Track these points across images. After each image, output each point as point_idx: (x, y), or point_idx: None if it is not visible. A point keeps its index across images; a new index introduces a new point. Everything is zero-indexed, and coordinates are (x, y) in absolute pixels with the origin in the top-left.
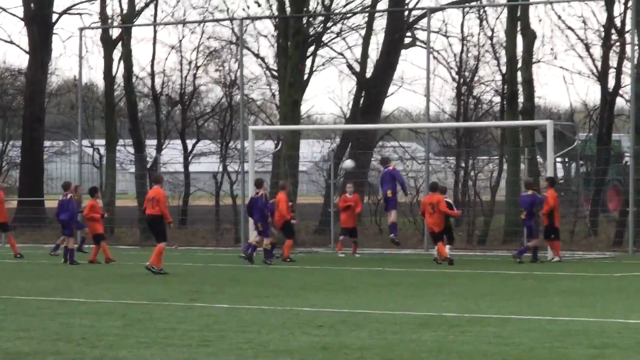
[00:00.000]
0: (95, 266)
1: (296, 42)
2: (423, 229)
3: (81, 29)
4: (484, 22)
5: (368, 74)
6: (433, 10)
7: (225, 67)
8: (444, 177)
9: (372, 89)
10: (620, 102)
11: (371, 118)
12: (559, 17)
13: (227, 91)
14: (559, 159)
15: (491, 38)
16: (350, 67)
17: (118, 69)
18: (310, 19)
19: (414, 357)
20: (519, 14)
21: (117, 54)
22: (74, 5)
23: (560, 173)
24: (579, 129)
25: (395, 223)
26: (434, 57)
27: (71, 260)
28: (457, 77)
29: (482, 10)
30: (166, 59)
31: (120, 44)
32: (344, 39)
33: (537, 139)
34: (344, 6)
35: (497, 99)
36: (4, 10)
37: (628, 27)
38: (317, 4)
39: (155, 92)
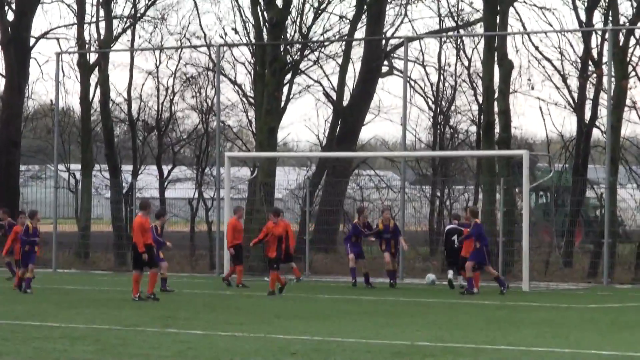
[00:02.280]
0: (69, 291)
1: (273, 70)
2: (398, 257)
3: (58, 54)
4: (461, 52)
5: (345, 102)
6: (410, 39)
7: (202, 93)
8: (419, 206)
9: (348, 117)
10: (596, 134)
11: (347, 146)
12: (536, 48)
13: (204, 117)
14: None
15: (468, 68)
16: (327, 95)
17: (95, 94)
18: (288, 47)
19: None
20: (496, 44)
21: (94, 78)
22: (51, 29)
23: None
24: (555, 160)
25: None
26: (411, 86)
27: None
28: (433, 106)
29: (459, 40)
30: (143, 84)
31: (97, 69)
32: (321, 67)
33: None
34: (322, 34)
35: (474, 128)
36: None
37: (605, 59)
38: (295, 31)
39: (131, 117)
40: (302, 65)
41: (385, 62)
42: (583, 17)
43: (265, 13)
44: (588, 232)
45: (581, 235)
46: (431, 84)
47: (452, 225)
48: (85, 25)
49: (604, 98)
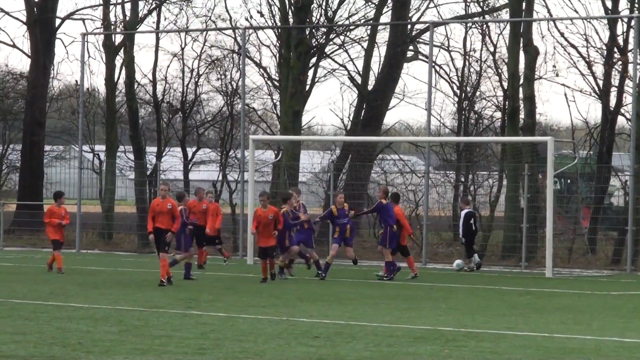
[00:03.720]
0: (92, 272)
1: (298, 53)
2: (421, 243)
3: (84, 35)
4: (487, 38)
5: (370, 87)
6: (436, 24)
7: (226, 76)
8: (443, 191)
9: (373, 101)
10: (621, 121)
11: (372, 130)
12: (562, 34)
13: (228, 100)
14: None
15: (493, 54)
16: (352, 79)
17: (120, 75)
18: (313, 30)
19: None
20: (521, 30)
21: (119, 60)
22: (77, 10)
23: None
24: (579, 147)
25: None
26: (436, 71)
27: None
28: (458, 91)
29: (484, 26)
30: (168, 66)
31: (122, 50)
32: (346, 50)
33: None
34: (347, 18)
35: (498, 114)
36: (7, 14)
37: (631, 45)
38: (320, 15)
39: (156, 99)
40: (328, 49)
41: (411, 47)
42: (609, 4)
43: None
44: (604, 219)
45: (588, 220)
46: (456, 69)
47: (468, 210)
48: (111, 7)
49: (629, 85)
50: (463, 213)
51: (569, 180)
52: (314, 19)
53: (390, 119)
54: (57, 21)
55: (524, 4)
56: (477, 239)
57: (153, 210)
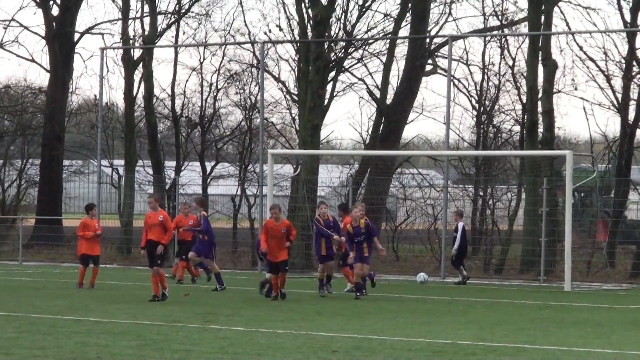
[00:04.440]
0: (111, 286)
1: (317, 67)
2: (440, 256)
3: (103, 49)
4: (505, 51)
5: (388, 101)
6: (454, 38)
7: (245, 90)
8: (461, 205)
9: (392, 115)
10: None
11: (390, 144)
12: (581, 48)
13: (247, 114)
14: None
15: (512, 67)
16: (370, 93)
17: (139, 90)
18: (332, 44)
19: None
20: (540, 44)
21: (137, 74)
22: (96, 25)
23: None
24: (598, 161)
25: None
26: (455, 85)
27: None
28: (477, 105)
29: (503, 39)
30: (187, 80)
31: (141, 64)
32: (365, 64)
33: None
34: (366, 32)
35: (517, 128)
36: (26, 28)
37: None
38: (339, 29)
39: (175, 113)
40: (346, 63)
41: (429, 61)
42: (628, 17)
43: (309, 10)
44: (619, 233)
45: (607, 233)
46: (475, 83)
47: (462, 223)
48: (130, 21)
49: None
50: (461, 225)
51: (582, 194)
52: (332, 32)
53: (408, 132)
54: (76, 36)
55: (542, 17)
56: (496, 253)
57: (146, 224)
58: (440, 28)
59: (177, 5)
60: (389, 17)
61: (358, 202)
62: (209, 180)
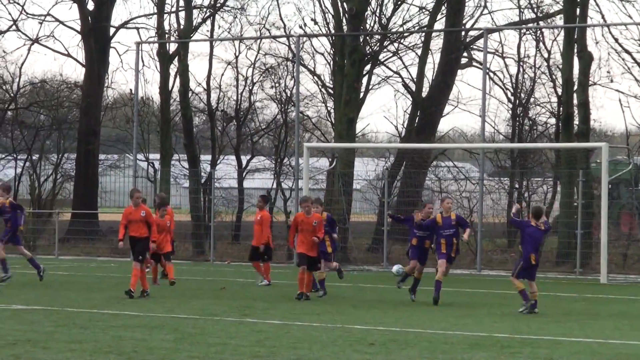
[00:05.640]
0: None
1: (352, 61)
2: (476, 250)
3: (138, 43)
4: (541, 44)
5: (424, 93)
6: (490, 31)
7: (281, 83)
8: (497, 198)
9: (427, 108)
10: None
11: (426, 137)
12: (616, 40)
13: (283, 108)
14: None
15: (547, 60)
16: (406, 86)
17: (174, 84)
18: (367, 38)
19: None
20: (575, 36)
21: (173, 68)
22: (131, 19)
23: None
24: (634, 153)
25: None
26: (490, 78)
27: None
28: (512, 98)
29: (538, 32)
30: (222, 74)
31: (176, 58)
32: (400, 57)
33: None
34: (401, 25)
35: (553, 120)
36: (62, 23)
37: None
38: (374, 22)
39: (210, 107)
40: (382, 56)
41: (465, 54)
42: None
43: (344, 4)
44: None
45: (633, 224)
46: (510, 76)
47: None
48: (165, 15)
49: None
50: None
51: (609, 186)
52: (367, 26)
53: (444, 125)
54: (112, 30)
55: (578, 10)
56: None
57: (126, 218)
58: (476, 21)
59: (213, 0)
60: (424, 10)
61: (445, 195)
62: (244, 173)
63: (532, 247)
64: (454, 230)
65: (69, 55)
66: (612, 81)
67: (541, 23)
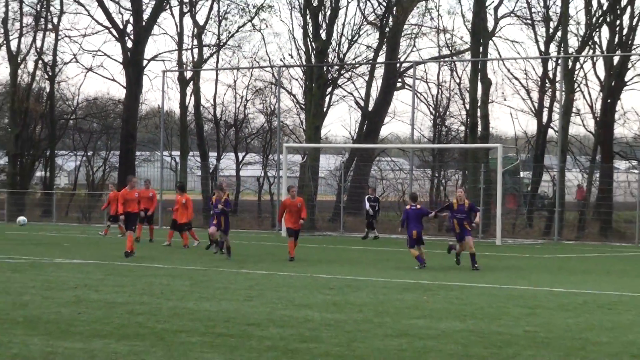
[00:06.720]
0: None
1: (318, 84)
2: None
3: (164, 71)
4: (454, 72)
5: (370, 108)
6: (417, 63)
7: (266, 101)
8: (423, 184)
9: (372, 119)
10: (550, 132)
11: (371, 140)
12: (508, 69)
13: (268, 118)
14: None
15: (459, 84)
16: (357, 103)
17: (190, 101)
18: (329, 68)
19: (398, 312)
20: (479, 67)
21: (189, 89)
22: (159, 54)
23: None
24: (520, 151)
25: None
26: (418, 97)
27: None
28: (433, 112)
29: (453, 64)
30: (224, 94)
31: (191, 82)
32: (353, 82)
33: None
34: (354, 59)
35: (462, 128)
36: (109, 57)
37: (558, 78)
38: (335, 57)
39: (216, 118)
40: (340, 81)
41: (399, 80)
42: (543, 47)
43: (313, 43)
44: (522, 201)
45: (515, 202)
46: (432, 96)
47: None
48: (184, 51)
49: (556, 106)
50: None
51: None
52: (330, 59)
53: (384, 131)
54: (144, 62)
55: (481, 48)
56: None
57: (123, 197)
58: (407, 56)
59: (218, 40)
60: (370, 48)
61: (460, 186)
62: (240, 165)
63: (413, 223)
64: (466, 215)
65: (114, 80)
66: (505, 99)
67: (454, 57)
